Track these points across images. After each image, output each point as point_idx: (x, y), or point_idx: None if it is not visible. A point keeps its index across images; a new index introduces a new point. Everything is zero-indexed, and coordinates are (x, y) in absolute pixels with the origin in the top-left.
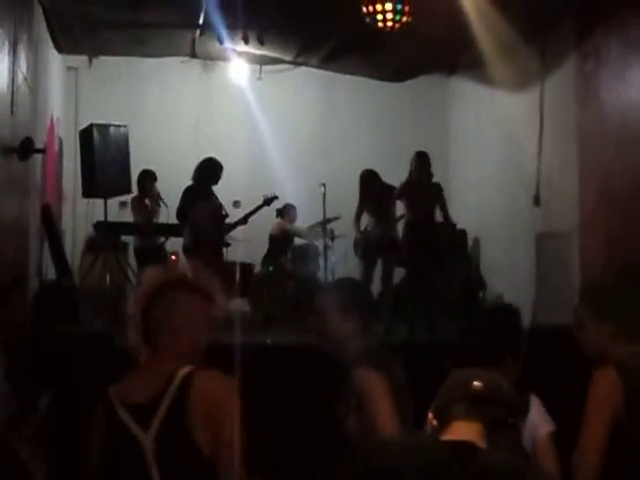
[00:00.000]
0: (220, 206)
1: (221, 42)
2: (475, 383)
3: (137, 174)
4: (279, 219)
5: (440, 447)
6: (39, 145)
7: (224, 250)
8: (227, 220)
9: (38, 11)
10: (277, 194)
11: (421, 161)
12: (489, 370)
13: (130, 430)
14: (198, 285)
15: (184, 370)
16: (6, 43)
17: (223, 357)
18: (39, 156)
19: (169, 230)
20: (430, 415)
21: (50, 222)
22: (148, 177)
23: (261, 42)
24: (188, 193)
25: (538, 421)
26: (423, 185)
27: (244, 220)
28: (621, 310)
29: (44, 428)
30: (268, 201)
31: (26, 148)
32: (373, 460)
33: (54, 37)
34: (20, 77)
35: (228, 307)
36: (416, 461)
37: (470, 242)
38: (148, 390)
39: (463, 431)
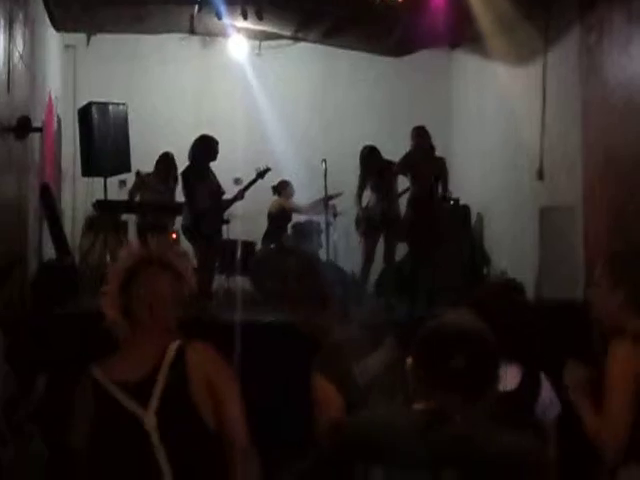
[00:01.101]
0: (218, 184)
1: (219, 17)
2: (456, 360)
3: (136, 152)
4: (276, 196)
5: (415, 417)
6: (37, 124)
7: (224, 228)
8: (225, 197)
9: None
10: (269, 166)
11: (420, 135)
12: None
13: (127, 408)
14: (170, 262)
15: (175, 343)
16: (2, 21)
17: (224, 334)
18: (37, 135)
19: (173, 209)
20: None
21: (49, 201)
22: (165, 162)
23: (259, 17)
24: (185, 173)
25: (550, 401)
26: (424, 159)
27: (240, 195)
28: (634, 281)
29: (41, 407)
30: (261, 174)
31: (23, 127)
32: (351, 433)
33: (51, 15)
34: (16, 56)
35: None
36: (390, 432)
37: (474, 217)
38: (140, 367)
39: (442, 399)
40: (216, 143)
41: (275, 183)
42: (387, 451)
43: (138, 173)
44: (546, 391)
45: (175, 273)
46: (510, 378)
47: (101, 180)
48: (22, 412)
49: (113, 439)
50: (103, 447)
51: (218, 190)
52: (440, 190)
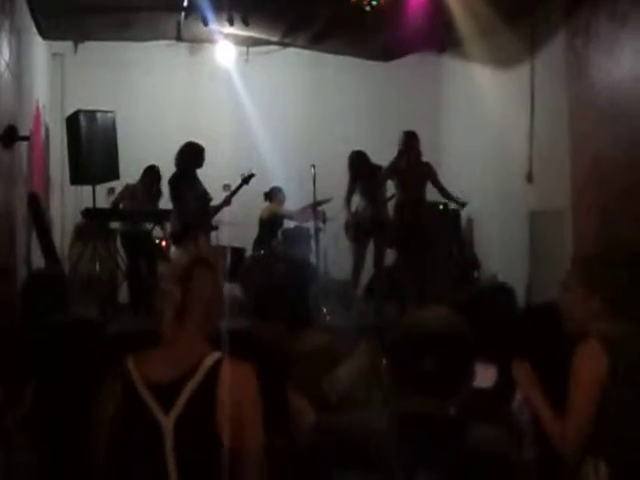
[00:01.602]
0: (205, 190)
1: (205, 24)
2: (425, 363)
3: (125, 159)
4: (267, 202)
5: (389, 420)
6: (24, 133)
7: (214, 235)
8: (213, 204)
9: None
10: (255, 172)
11: (409, 141)
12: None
13: (151, 410)
14: (217, 263)
15: (213, 356)
16: None
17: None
18: (24, 144)
19: (160, 216)
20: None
21: (37, 210)
22: (150, 174)
23: (246, 23)
24: (172, 180)
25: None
26: (412, 165)
27: (227, 202)
28: (610, 285)
29: (29, 417)
30: (246, 179)
31: (10, 136)
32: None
33: (38, 24)
34: (2, 65)
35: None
36: (364, 436)
37: (464, 221)
38: (173, 370)
39: (415, 401)
40: (202, 150)
41: (267, 189)
42: (362, 455)
43: (127, 186)
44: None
45: (221, 274)
46: (487, 376)
47: (90, 188)
48: (10, 421)
49: (130, 436)
50: (119, 441)
51: (205, 197)
52: (440, 195)
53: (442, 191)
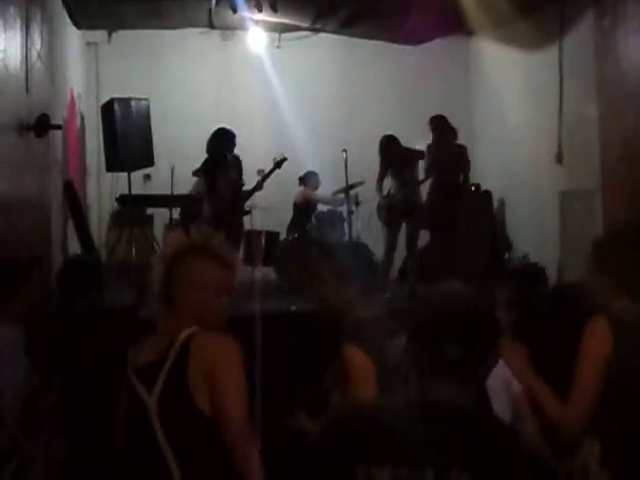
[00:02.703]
0: (238, 175)
1: (234, 11)
2: (450, 349)
3: (159, 146)
4: (302, 187)
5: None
6: (58, 121)
7: (249, 219)
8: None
9: None
10: (287, 156)
11: (436, 125)
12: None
13: (138, 392)
14: (217, 251)
15: (185, 332)
16: (18, 21)
17: (249, 325)
18: (59, 133)
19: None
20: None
21: (73, 198)
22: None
23: (274, 9)
24: (205, 166)
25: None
26: (443, 148)
27: (259, 186)
28: (621, 264)
29: (61, 402)
30: (278, 163)
31: (42, 125)
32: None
33: (71, 13)
34: (34, 55)
35: (248, 275)
36: (391, 429)
37: (495, 203)
38: (154, 352)
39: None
40: (233, 136)
41: (301, 174)
42: (391, 450)
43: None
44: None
45: (222, 261)
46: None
47: (126, 175)
48: (42, 406)
49: (127, 419)
50: (123, 428)
51: (238, 181)
52: (462, 179)
53: (464, 175)
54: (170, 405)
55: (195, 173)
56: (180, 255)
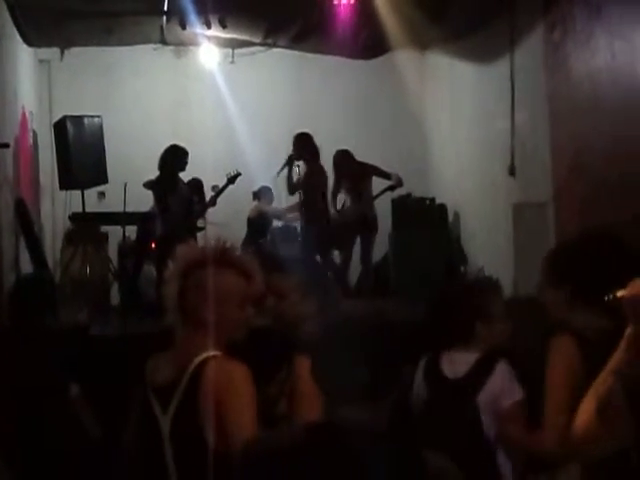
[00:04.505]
0: (189, 192)
1: (183, 27)
2: None
3: (113, 163)
4: (256, 202)
5: None
6: (7, 139)
7: (202, 235)
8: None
9: (2, 6)
10: (239, 171)
11: (339, 159)
12: None
13: (154, 412)
14: (234, 262)
15: (201, 357)
16: None
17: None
18: (9, 150)
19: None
20: None
21: (24, 216)
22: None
23: (223, 25)
24: (156, 183)
25: (502, 390)
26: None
27: (213, 202)
28: (582, 276)
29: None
30: (232, 179)
31: None
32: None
33: (21, 31)
34: None
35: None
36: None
37: (450, 216)
38: (172, 371)
39: None
40: (185, 153)
41: (256, 189)
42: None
43: None
44: (501, 380)
45: (240, 272)
46: (464, 365)
47: (79, 193)
48: None
49: (140, 437)
50: (135, 442)
51: (189, 197)
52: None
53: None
54: (181, 430)
55: (146, 185)
56: (197, 268)
